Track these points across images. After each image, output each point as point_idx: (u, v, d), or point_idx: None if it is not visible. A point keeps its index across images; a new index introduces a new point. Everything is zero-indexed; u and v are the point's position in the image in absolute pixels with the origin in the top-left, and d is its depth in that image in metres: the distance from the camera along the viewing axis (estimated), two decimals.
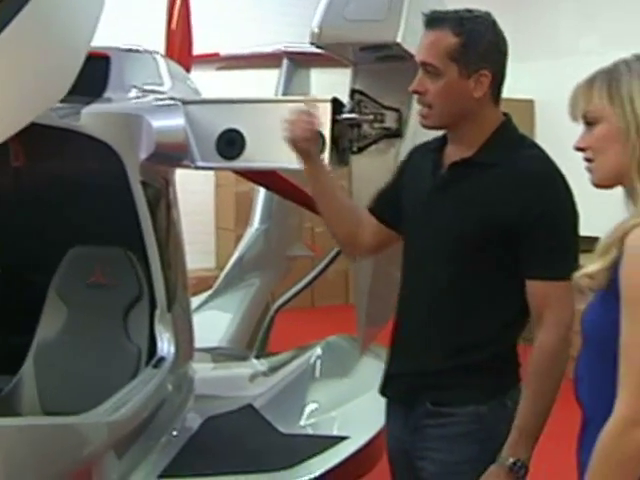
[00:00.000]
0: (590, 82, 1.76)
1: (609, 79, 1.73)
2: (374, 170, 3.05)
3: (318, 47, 3.10)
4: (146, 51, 3.64)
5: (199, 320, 3.92)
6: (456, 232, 2.20)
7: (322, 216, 2.58)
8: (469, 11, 2.22)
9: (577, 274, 1.76)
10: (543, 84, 7.43)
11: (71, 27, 2.04)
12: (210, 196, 8.54)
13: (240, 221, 6.88)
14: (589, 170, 1.78)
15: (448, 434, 2.23)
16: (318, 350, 3.88)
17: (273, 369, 3.83)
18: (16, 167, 3.33)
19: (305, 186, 4.58)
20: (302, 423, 3.28)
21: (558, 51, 7.55)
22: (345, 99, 3.18)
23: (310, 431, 3.23)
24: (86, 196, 3.27)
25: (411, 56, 2.54)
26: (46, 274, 3.24)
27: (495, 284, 2.20)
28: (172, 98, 3.27)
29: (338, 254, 3.89)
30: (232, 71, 6.23)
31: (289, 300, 4.44)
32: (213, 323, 4.47)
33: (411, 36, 2.75)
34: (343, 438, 3.03)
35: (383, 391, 2.42)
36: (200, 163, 3.16)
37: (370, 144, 3.16)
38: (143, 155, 2.97)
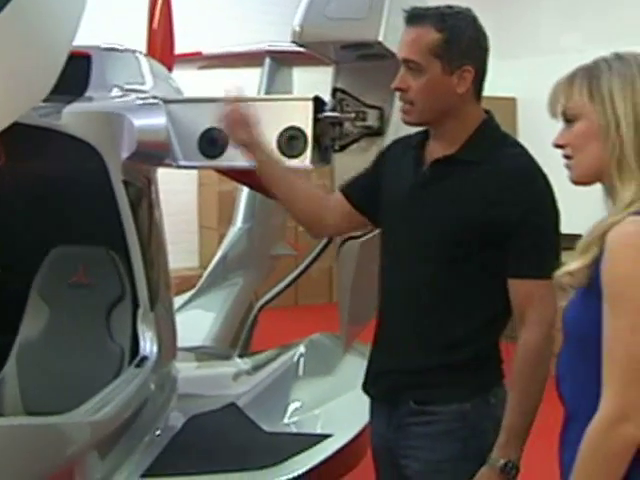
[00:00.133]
0: (570, 79, 1.76)
1: (589, 76, 1.74)
2: (356, 168, 3.03)
3: (299, 45, 3.10)
4: (128, 50, 3.63)
5: (182, 319, 3.92)
6: (438, 230, 2.20)
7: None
8: (450, 7, 2.22)
9: (558, 272, 1.76)
10: (525, 82, 7.46)
11: (53, 26, 2.03)
12: (193, 195, 8.53)
13: (223, 220, 6.87)
14: (568, 167, 1.78)
15: (432, 432, 2.23)
16: (301, 348, 3.89)
17: (256, 368, 3.83)
18: None
19: None
20: (285, 421, 3.29)
21: (540, 49, 7.59)
22: (327, 98, 3.19)
23: (294, 429, 3.24)
24: (68, 196, 3.26)
25: (392, 54, 2.55)
26: (28, 274, 3.23)
27: (477, 282, 2.20)
28: (154, 97, 3.27)
29: (321, 252, 3.90)
30: (216, 70, 6.23)
31: (272, 299, 4.44)
32: (196, 322, 4.46)
33: (392, 34, 2.76)
34: (326, 436, 3.04)
35: (366, 389, 2.42)
36: (182, 162, 3.16)
37: (352, 142, 3.17)
38: (125, 154, 2.96)
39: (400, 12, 2.30)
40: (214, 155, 3.13)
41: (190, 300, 4.75)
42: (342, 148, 3.18)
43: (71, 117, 2.86)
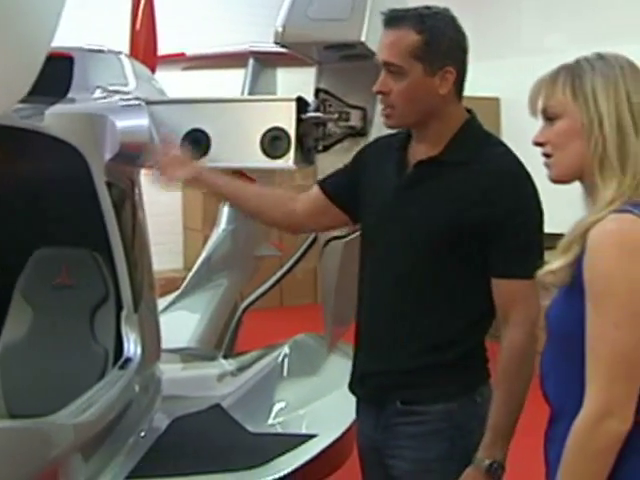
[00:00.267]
0: (553, 77, 1.77)
1: (572, 75, 1.75)
2: None
3: (282, 46, 3.10)
4: (110, 51, 3.62)
5: (167, 321, 3.91)
6: (424, 231, 2.19)
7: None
8: (428, 8, 2.20)
9: (541, 271, 1.77)
10: (508, 82, 7.47)
11: (31, 25, 2.02)
12: (177, 196, 8.51)
13: (208, 221, 6.85)
14: (547, 165, 1.79)
15: (419, 432, 2.24)
16: (286, 349, 3.89)
17: (241, 369, 3.84)
18: None
19: (271, 185, 4.61)
20: (270, 422, 3.29)
21: (523, 49, 7.61)
22: (310, 98, 3.19)
23: (278, 430, 3.24)
24: (51, 197, 3.25)
25: (375, 55, 2.55)
26: (11, 275, 3.22)
27: (463, 282, 2.20)
28: (137, 98, 3.26)
29: (305, 253, 3.90)
30: (201, 71, 6.22)
31: (257, 299, 4.44)
32: (181, 323, 4.45)
33: (375, 35, 2.75)
34: (311, 436, 3.04)
35: (352, 389, 2.42)
36: None
37: (335, 143, 3.17)
38: (108, 156, 2.95)
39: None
40: (198, 156, 3.12)
41: (174, 301, 4.74)
42: (325, 148, 3.18)
43: (53, 118, 2.86)
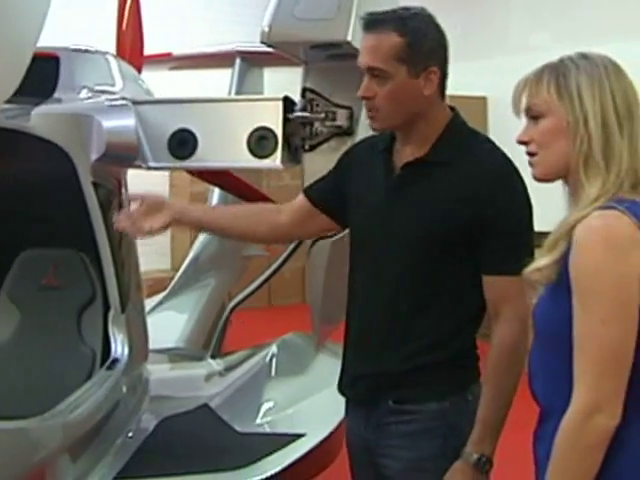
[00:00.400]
0: (538, 76, 1.78)
1: (557, 74, 1.76)
2: (326, 168, 3.05)
3: (268, 46, 3.11)
4: (97, 51, 3.61)
5: (155, 321, 3.90)
6: (414, 232, 2.19)
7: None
8: (406, 9, 2.19)
9: (527, 269, 1.78)
10: (495, 81, 7.48)
11: (16, 26, 2.01)
12: (165, 196, 8.48)
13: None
14: (531, 164, 1.80)
15: (411, 431, 2.23)
16: (274, 348, 3.89)
17: (229, 368, 3.83)
18: None
19: (258, 185, 4.61)
20: (259, 421, 3.28)
21: (509, 49, 7.63)
22: (297, 98, 3.19)
23: (267, 429, 3.24)
24: (37, 198, 3.24)
25: None
26: None
27: (455, 281, 2.20)
28: (123, 98, 3.25)
29: (292, 253, 3.90)
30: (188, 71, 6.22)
31: (244, 299, 4.44)
32: (169, 324, 4.45)
33: (361, 34, 2.76)
34: (299, 435, 3.04)
35: (342, 391, 2.41)
36: (152, 163, 3.14)
37: (322, 142, 3.18)
38: (94, 156, 2.95)
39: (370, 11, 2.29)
40: (184, 156, 3.12)
41: (162, 302, 4.74)
42: (312, 148, 3.18)
43: (39, 119, 2.85)
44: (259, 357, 3.85)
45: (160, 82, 4.62)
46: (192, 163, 3.15)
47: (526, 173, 2.10)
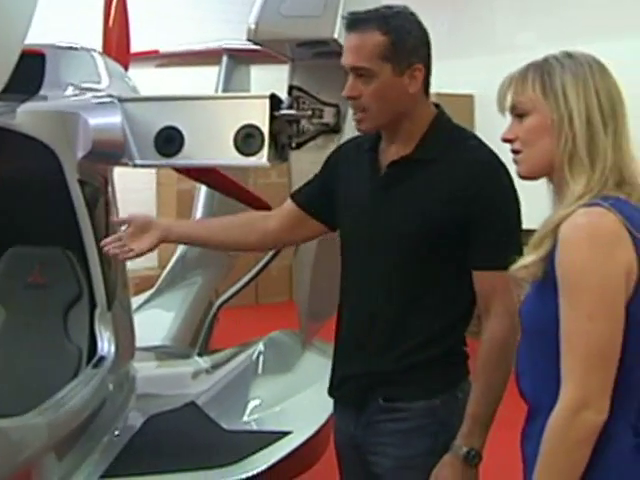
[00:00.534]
0: (523, 74, 1.79)
1: (542, 72, 1.76)
2: (313, 166, 3.04)
3: (255, 43, 3.10)
4: (83, 49, 3.60)
5: (142, 319, 3.90)
6: (403, 231, 2.19)
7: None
8: (389, 7, 2.19)
9: (514, 266, 1.78)
10: (482, 79, 7.51)
11: (3, 24, 2.01)
12: (152, 194, 8.48)
13: (182, 219, 6.84)
14: (516, 161, 1.81)
15: (401, 429, 2.23)
16: (261, 346, 3.88)
17: (216, 366, 3.83)
18: None
19: (245, 183, 4.61)
20: (245, 419, 3.28)
21: (496, 47, 7.64)
22: (284, 95, 3.19)
23: (254, 427, 3.24)
24: (23, 195, 3.23)
25: None
26: None
27: (445, 279, 2.21)
28: (110, 96, 3.24)
29: (278, 251, 3.90)
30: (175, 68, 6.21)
31: (231, 297, 4.43)
32: (156, 322, 4.44)
33: None
34: (286, 433, 3.04)
35: (331, 393, 2.41)
36: (138, 161, 3.14)
37: (309, 140, 3.18)
38: (80, 153, 2.94)
39: (356, 9, 2.29)
40: (171, 154, 3.12)
41: (149, 300, 4.73)
42: (299, 146, 3.19)
43: (25, 116, 2.84)
44: (246, 355, 3.85)
45: (149, 79, 4.62)
46: (179, 161, 3.14)
47: (511, 171, 2.11)
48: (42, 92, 3.12)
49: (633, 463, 1.68)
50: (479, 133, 2.31)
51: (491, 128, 2.13)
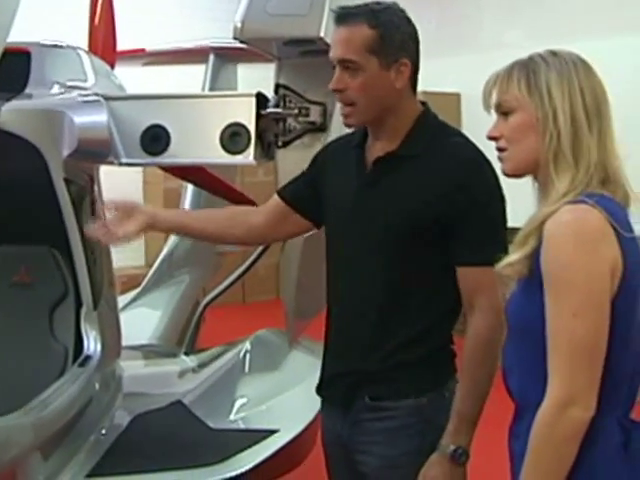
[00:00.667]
0: (508, 72, 1.79)
1: (527, 70, 1.77)
2: (300, 164, 3.04)
3: (241, 42, 3.10)
4: (69, 47, 3.58)
5: (128, 318, 3.89)
6: (388, 228, 2.19)
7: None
8: (378, 3, 2.20)
9: (499, 264, 1.79)
10: (469, 78, 7.52)
11: None
12: (138, 193, 8.46)
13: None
14: (501, 159, 1.82)
15: (388, 427, 2.23)
16: (247, 345, 3.88)
17: (202, 365, 3.82)
18: None
19: (232, 181, 4.60)
20: (232, 418, 3.28)
21: (483, 46, 7.66)
22: (271, 94, 3.19)
23: (240, 425, 3.23)
24: (8, 194, 3.21)
25: None
26: None
27: (431, 277, 2.21)
28: (96, 94, 3.23)
29: (265, 250, 3.90)
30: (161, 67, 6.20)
31: (218, 296, 4.43)
32: (142, 320, 4.43)
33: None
34: (273, 432, 3.03)
35: (320, 392, 2.41)
36: (125, 160, 3.13)
37: (295, 138, 3.18)
38: (66, 152, 2.92)
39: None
40: (157, 152, 3.11)
41: (136, 298, 4.72)
42: (285, 144, 3.18)
43: (10, 114, 2.82)
44: (232, 353, 3.84)
45: (135, 78, 4.60)
46: (165, 159, 3.13)
47: (496, 168, 2.12)
48: (27, 90, 3.11)
49: (621, 460, 1.69)
50: (466, 132, 2.32)
51: (478, 127, 2.13)
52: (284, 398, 3.39)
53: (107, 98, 3.18)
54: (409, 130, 2.23)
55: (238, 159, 3.06)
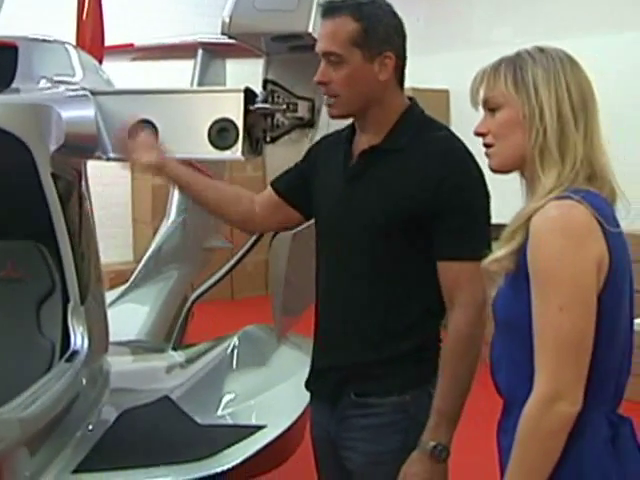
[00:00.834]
0: (495, 69, 1.80)
1: (514, 67, 1.78)
2: (288, 160, 3.04)
3: (229, 37, 3.10)
4: (57, 41, 3.57)
5: (116, 313, 3.88)
6: (372, 221, 2.20)
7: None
8: None
9: (486, 260, 1.79)
10: (457, 74, 7.53)
11: None
12: (127, 188, 8.45)
13: (157, 214, 6.81)
14: (488, 155, 1.82)
15: (373, 424, 2.24)
16: (235, 340, 3.87)
17: (190, 360, 3.82)
18: None
19: (220, 176, 4.59)
20: (220, 413, 3.27)
21: (472, 42, 7.68)
22: (259, 90, 3.19)
23: (228, 421, 3.22)
24: None
25: None
26: None
27: (415, 271, 2.21)
28: (83, 89, 3.22)
29: (253, 245, 3.89)
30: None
31: (206, 291, 4.41)
32: (130, 316, 4.42)
33: None
34: (260, 427, 3.03)
35: (308, 387, 2.42)
36: (112, 154, 3.12)
37: (283, 134, 3.17)
38: (53, 147, 2.91)
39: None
40: None
41: (124, 294, 4.71)
42: (273, 139, 3.18)
43: None
44: (220, 349, 3.84)
45: (123, 73, 4.60)
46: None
47: (484, 166, 2.12)
48: (14, 85, 3.09)
49: (608, 455, 1.70)
50: (454, 128, 2.32)
51: (467, 123, 2.13)
52: (272, 394, 3.39)
53: (95, 93, 3.16)
54: (394, 124, 2.24)
55: (226, 155, 3.05)
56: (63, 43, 3.62)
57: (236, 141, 3.02)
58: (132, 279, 4.86)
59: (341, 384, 2.27)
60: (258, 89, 3.18)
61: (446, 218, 2.14)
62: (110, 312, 3.56)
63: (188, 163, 3.58)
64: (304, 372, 2.45)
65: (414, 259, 2.21)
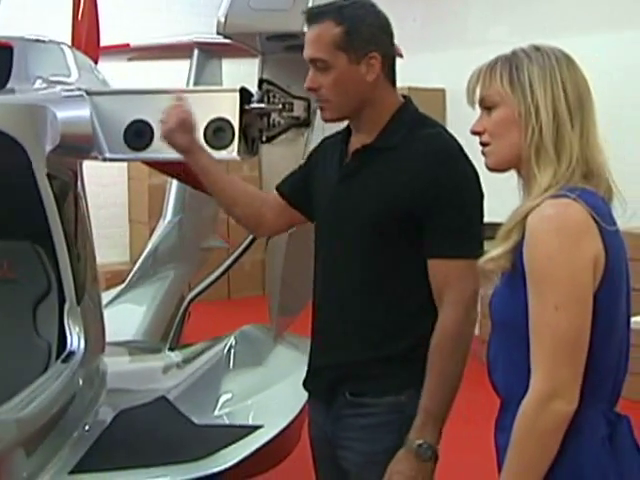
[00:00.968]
0: (491, 67, 1.80)
1: (510, 65, 1.78)
2: (284, 159, 3.06)
3: (224, 37, 3.09)
4: (52, 42, 3.57)
5: (113, 313, 3.88)
6: (364, 219, 2.20)
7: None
8: None
9: (482, 259, 1.79)
10: (454, 73, 7.54)
11: None
12: (123, 188, 8.45)
13: (154, 214, 6.80)
14: (484, 154, 1.82)
15: (368, 424, 2.24)
16: (232, 340, 3.87)
17: (187, 360, 3.82)
18: None
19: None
20: (216, 413, 3.26)
21: (468, 41, 7.68)
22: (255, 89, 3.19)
23: (225, 421, 3.22)
24: None
25: None
26: None
27: (412, 269, 2.20)
28: (79, 89, 3.22)
29: (249, 245, 3.89)
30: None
31: (203, 291, 4.41)
32: (127, 316, 4.42)
33: None
34: (257, 427, 3.03)
35: (305, 386, 2.42)
36: (108, 155, 3.12)
37: (279, 133, 3.17)
38: (48, 147, 2.90)
39: (324, 2, 2.30)
40: (141, 147, 3.09)
41: (120, 294, 4.70)
42: (269, 139, 3.18)
43: None
44: (217, 349, 3.84)
45: (119, 73, 4.59)
46: (149, 154, 3.12)
47: (482, 164, 2.12)
48: (10, 85, 3.09)
49: (606, 453, 1.70)
50: (450, 127, 2.32)
51: (463, 122, 2.13)
52: (268, 394, 3.38)
53: (90, 93, 3.16)
54: (387, 122, 2.24)
55: (222, 154, 3.05)
56: (58, 43, 3.62)
57: (232, 141, 3.02)
58: (129, 279, 4.85)
59: (336, 384, 2.27)
60: (254, 89, 3.18)
61: (437, 216, 2.13)
62: (107, 312, 3.56)
63: (184, 163, 3.60)
64: (301, 372, 2.45)
65: (407, 258, 2.20)
